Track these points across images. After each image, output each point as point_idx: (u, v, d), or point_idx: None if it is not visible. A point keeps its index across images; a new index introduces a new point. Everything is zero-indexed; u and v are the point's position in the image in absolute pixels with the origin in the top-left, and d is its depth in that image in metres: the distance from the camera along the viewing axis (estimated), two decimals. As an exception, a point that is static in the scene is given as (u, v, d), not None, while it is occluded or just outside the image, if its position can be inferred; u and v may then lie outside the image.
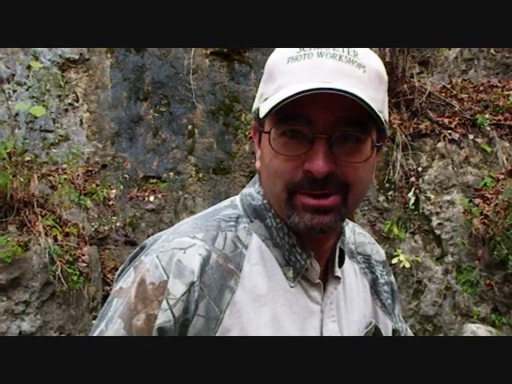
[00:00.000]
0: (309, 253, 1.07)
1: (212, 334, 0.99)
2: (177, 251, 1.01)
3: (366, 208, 5.44)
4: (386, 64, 5.58)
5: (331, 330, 1.10)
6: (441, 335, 5.03)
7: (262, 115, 0.98)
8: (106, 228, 5.54)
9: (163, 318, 0.97)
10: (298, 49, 0.99)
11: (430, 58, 6.29)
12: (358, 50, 0.98)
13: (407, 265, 5.05)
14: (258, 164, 1.10)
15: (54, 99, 5.93)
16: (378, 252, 1.33)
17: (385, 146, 1.11)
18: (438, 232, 5.23)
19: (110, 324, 1.00)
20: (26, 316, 4.50)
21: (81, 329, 4.76)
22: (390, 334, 1.28)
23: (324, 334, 1.09)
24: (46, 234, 4.67)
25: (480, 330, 4.54)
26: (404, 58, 5.47)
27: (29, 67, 5.80)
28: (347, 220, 1.28)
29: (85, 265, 4.89)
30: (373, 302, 1.26)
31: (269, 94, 1.00)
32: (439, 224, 5.24)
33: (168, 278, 0.98)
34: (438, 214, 5.26)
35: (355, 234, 1.31)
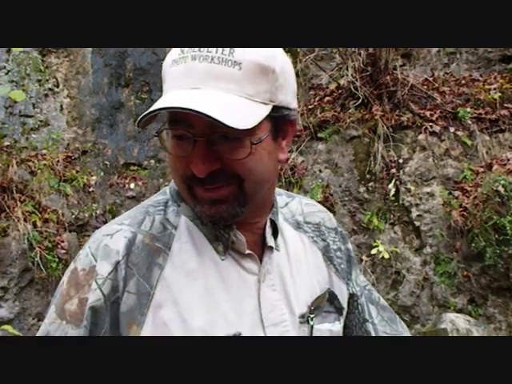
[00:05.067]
0: (230, 226, 1.13)
1: (144, 309, 1.04)
2: (104, 237, 1.08)
3: (346, 198, 5.46)
4: (368, 55, 5.61)
5: (270, 298, 1.15)
6: (418, 326, 5.08)
7: (136, 123, 1.06)
8: (86, 215, 5.51)
9: (93, 297, 1.02)
10: (179, 50, 1.03)
11: (412, 51, 6.32)
12: (236, 48, 1.01)
13: (386, 255, 5.09)
14: None
15: (34, 84, 5.86)
16: (330, 219, 1.38)
17: (293, 131, 1.15)
18: (417, 223, 5.27)
19: (47, 313, 1.08)
20: (4, 302, 4.46)
21: (59, 316, 4.73)
22: (346, 298, 1.32)
23: (262, 303, 1.13)
24: (25, 220, 4.64)
25: (459, 319, 4.59)
26: (387, 50, 5.48)
27: (8, 51, 5.72)
28: (293, 194, 1.37)
29: (64, 251, 4.86)
30: (327, 268, 1.30)
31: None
32: (419, 215, 5.28)
33: (96, 262, 1.05)
34: (417, 205, 5.30)
35: (302, 204, 1.35)
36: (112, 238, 1.07)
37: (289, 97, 1.10)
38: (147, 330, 1.03)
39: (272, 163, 1.11)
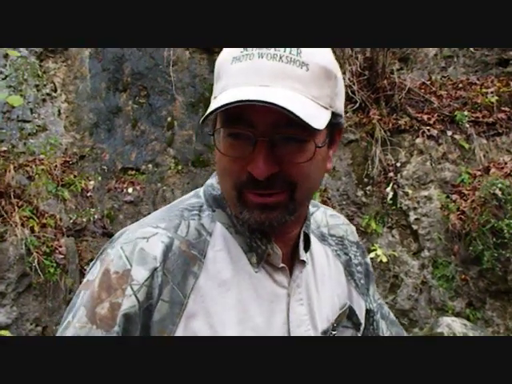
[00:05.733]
0: (269, 238, 1.10)
1: (176, 318, 1.01)
2: (140, 240, 1.04)
3: (344, 202, 5.47)
4: (366, 59, 5.61)
5: (298, 312, 1.12)
6: (416, 329, 5.08)
7: (201, 120, 1.00)
8: (84, 220, 5.50)
9: (128, 303, 0.99)
10: (242, 48, 0.99)
11: (409, 55, 6.33)
12: (302, 48, 0.99)
13: (384, 259, 5.09)
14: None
15: (32, 89, 5.87)
16: (353, 233, 1.35)
17: (340, 138, 1.14)
18: (415, 227, 5.28)
19: (76, 314, 1.02)
20: (2, 308, 4.45)
21: (57, 321, 4.73)
22: (364, 314, 1.30)
23: (291, 318, 1.11)
24: (22, 225, 4.63)
25: (455, 322, 4.60)
26: (384, 54, 5.50)
27: (6, 56, 5.72)
28: (317, 203, 1.33)
29: (62, 256, 4.85)
30: (347, 283, 1.28)
31: (216, 94, 1.02)
32: (416, 219, 5.28)
33: (131, 266, 1.01)
34: (415, 209, 5.30)
35: (327, 216, 1.32)
36: (148, 242, 1.03)
37: (342, 104, 1.09)
38: None
39: (322, 171, 1.09)
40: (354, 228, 1.37)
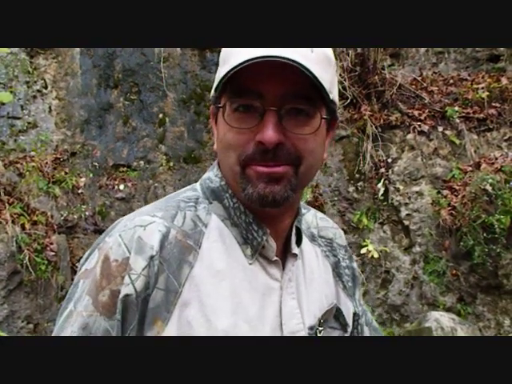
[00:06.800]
0: (264, 230, 1.12)
1: (171, 306, 1.03)
2: (138, 228, 1.06)
3: (335, 198, 5.47)
4: (357, 55, 5.61)
5: (290, 306, 1.14)
6: (407, 324, 5.10)
7: (213, 90, 1.04)
8: (75, 216, 5.49)
9: (125, 291, 1.01)
10: None
11: (401, 51, 6.34)
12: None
13: (376, 255, 5.10)
14: (215, 146, 1.15)
15: (22, 85, 5.84)
16: (341, 237, 1.37)
17: (335, 128, 1.20)
18: (406, 222, 5.29)
19: (79, 302, 1.04)
20: (-7, 305, 4.44)
21: (49, 318, 4.72)
22: (351, 316, 1.32)
23: (283, 310, 1.13)
24: (13, 222, 4.62)
25: (443, 317, 4.62)
26: (375, 50, 5.50)
27: (-4, 53, 5.69)
28: (308, 206, 1.36)
29: (53, 253, 4.84)
30: (335, 283, 1.30)
31: (222, 74, 1.04)
32: (408, 215, 5.30)
33: (130, 254, 1.03)
34: (406, 204, 5.32)
35: (317, 218, 1.35)
36: (145, 231, 1.05)
37: (337, 96, 1.12)
38: (172, 328, 1.02)
39: (321, 156, 1.12)
40: (342, 232, 1.39)
